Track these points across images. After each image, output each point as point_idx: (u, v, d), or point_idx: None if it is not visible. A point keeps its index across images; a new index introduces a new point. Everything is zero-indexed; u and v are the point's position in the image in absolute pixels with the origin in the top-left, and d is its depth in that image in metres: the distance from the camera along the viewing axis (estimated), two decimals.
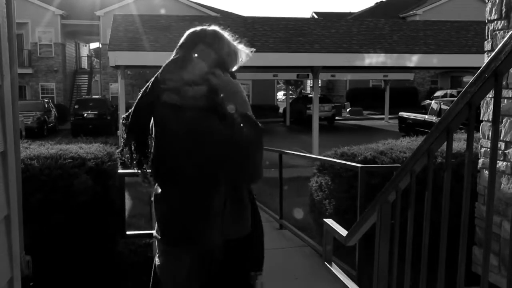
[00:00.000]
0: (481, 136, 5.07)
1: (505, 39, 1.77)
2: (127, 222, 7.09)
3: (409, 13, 42.45)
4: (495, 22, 4.84)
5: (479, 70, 1.89)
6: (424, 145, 2.33)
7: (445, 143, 2.21)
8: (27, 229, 2.86)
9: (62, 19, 37.58)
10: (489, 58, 1.86)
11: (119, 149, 2.53)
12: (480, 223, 4.94)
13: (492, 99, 1.91)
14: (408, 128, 19.75)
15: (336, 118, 33.90)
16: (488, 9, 4.98)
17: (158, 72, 2.47)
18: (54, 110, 29.74)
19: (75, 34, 41.79)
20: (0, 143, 2.17)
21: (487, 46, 5.01)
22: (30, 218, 3.48)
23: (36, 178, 4.87)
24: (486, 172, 4.77)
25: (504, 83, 4.55)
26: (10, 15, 2.55)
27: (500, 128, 4.59)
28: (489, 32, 4.97)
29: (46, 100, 29.77)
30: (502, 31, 4.73)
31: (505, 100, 4.56)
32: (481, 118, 4.98)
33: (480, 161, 5.07)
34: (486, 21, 5.01)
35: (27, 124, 23.49)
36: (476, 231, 4.99)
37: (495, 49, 1.82)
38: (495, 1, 4.84)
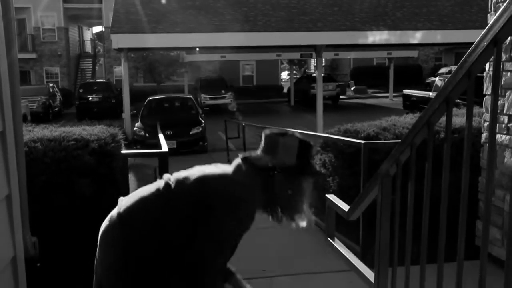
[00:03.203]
0: (484, 111, 5.04)
1: (504, 5, 1.75)
2: None
3: None
4: None
5: (478, 38, 1.87)
6: (424, 117, 2.31)
7: (445, 114, 2.20)
8: (33, 211, 2.87)
9: (64, 3, 37.37)
10: (489, 25, 1.84)
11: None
12: (483, 197, 4.93)
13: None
14: (412, 105, 19.62)
15: (341, 97, 33.73)
16: None
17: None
18: (59, 94, 29.74)
19: (78, 18, 41.60)
20: None
21: (490, 19, 4.95)
22: (35, 201, 3.50)
23: (40, 160, 4.89)
24: None
25: (507, 55, 4.51)
26: None
27: (503, 102, 4.56)
28: (492, 5, 4.91)
29: (50, 85, 29.72)
30: (505, 3, 4.67)
31: (509, 73, 4.51)
32: (484, 92, 4.94)
33: (484, 135, 5.04)
34: None
35: (32, 109, 23.50)
36: (479, 205, 4.98)
37: None
38: None
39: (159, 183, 2.34)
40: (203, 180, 2.28)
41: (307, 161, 2.35)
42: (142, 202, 2.29)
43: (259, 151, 2.38)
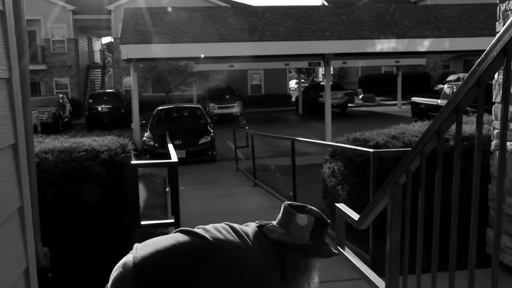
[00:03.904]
0: (493, 118, 5.03)
1: None
2: (143, 212, 7.13)
3: None
4: (507, 1, 4.78)
5: (488, 48, 1.88)
6: (434, 126, 2.32)
7: (455, 123, 2.20)
8: (44, 222, 2.88)
9: (73, 15, 37.72)
10: (498, 35, 1.84)
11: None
12: (493, 205, 4.91)
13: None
14: (421, 113, 19.56)
15: (349, 105, 33.70)
16: None
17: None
18: (68, 105, 29.90)
19: (87, 29, 41.92)
20: (10, 136, 2.19)
21: (499, 27, 4.95)
22: (46, 211, 3.52)
23: (51, 171, 4.92)
24: None
25: None
26: (18, 9, 2.56)
27: None
28: (500, 13, 4.91)
29: (60, 96, 29.86)
30: None
31: None
32: (493, 100, 4.93)
33: (493, 143, 5.03)
34: (498, 1, 4.95)
35: (42, 119, 23.63)
36: (489, 213, 4.96)
37: None
38: None
39: (177, 237, 2.19)
40: (226, 250, 2.13)
41: (321, 241, 2.23)
42: (161, 255, 2.11)
43: (275, 222, 2.27)
